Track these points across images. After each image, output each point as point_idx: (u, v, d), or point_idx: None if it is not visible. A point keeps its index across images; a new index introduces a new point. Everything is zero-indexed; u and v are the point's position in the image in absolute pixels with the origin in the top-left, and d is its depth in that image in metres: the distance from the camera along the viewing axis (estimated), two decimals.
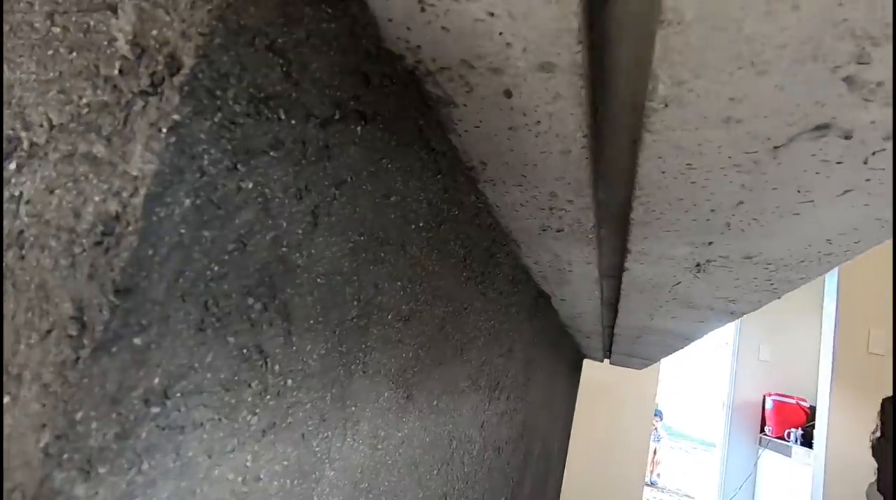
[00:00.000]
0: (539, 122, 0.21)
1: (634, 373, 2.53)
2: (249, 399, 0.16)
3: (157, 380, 0.12)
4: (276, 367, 0.17)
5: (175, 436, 0.13)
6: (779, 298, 0.40)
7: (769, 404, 3.62)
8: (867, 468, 2.20)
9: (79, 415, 0.10)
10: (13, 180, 0.12)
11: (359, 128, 0.19)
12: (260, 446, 0.16)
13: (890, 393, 2.24)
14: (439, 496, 0.38)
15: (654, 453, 5.29)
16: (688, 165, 0.22)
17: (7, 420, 0.10)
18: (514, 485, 0.76)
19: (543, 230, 0.37)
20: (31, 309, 0.11)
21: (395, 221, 0.23)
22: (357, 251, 0.20)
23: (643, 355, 1.22)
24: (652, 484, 5.54)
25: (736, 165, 0.21)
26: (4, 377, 0.11)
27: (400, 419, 0.28)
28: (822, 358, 2.49)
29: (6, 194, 0.12)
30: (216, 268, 0.13)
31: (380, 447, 0.26)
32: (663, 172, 0.23)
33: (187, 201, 0.12)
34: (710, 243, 0.32)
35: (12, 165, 0.13)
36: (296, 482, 0.19)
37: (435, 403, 0.33)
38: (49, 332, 0.11)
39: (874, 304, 2.37)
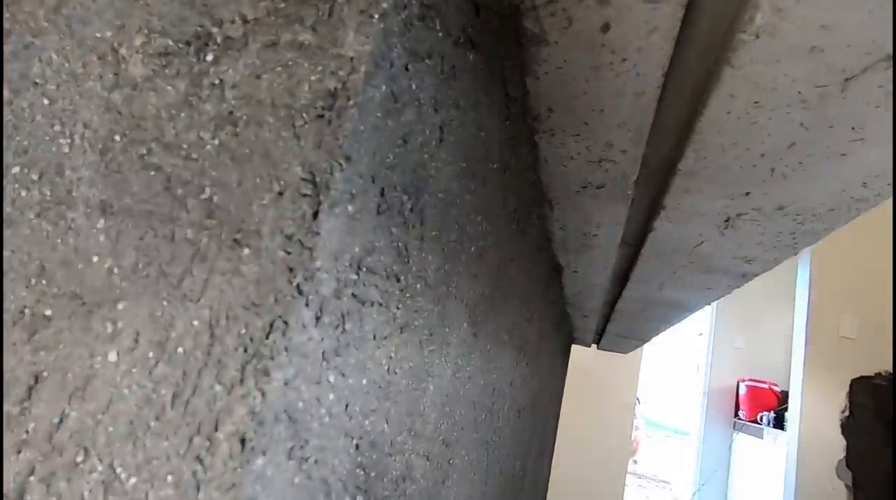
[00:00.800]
0: (625, 59, 0.23)
1: (616, 362, 2.59)
2: (397, 293, 0.17)
3: (357, 249, 0.13)
4: (414, 268, 0.18)
5: (360, 308, 0.14)
6: (795, 253, 0.43)
7: (743, 390, 3.74)
8: (837, 446, 2.32)
9: (318, 263, 0.12)
10: (210, 71, 0.13)
11: (470, 56, 0.20)
12: (399, 340, 0.18)
13: (860, 374, 2.35)
14: (483, 441, 0.39)
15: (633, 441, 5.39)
16: (755, 103, 0.24)
17: (253, 268, 0.11)
18: (525, 451, 0.78)
19: (583, 188, 0.39)
20: (258, 176, 0.12)
21: (481, 156, 0.25)
22: (460, 177, 0.22)
23: (636, 335, 1.26)
24: (630, 474, 5.66)
25: (803, 101, 0.23)
26: (241, 235, 0.12)
27: (470, 354, 0.29)
28: (794, 343, 2.59)
29: (206, 83, 0.13)
30: (391, 158, 0.15)
31: (458, 375, 0.27)
32: (728, 113, 0.25)
33: (384, 87, 0.13)
34: (748, 194, 0.34)
35: (208, 57, 0.14)
36: (413, 385, 0.20)
37: (488, 348, 0.35)
38: (282, 193, 0.12)
39: (844, 290, 2.48)
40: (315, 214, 0.11)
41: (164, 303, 0.12)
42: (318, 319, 0.12)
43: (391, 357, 0.17)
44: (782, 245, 0.42)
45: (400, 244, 0.16)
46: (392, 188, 0.15)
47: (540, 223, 0.49)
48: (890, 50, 0.19)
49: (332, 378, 0.13)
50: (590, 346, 1.80)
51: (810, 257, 2.59)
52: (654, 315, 0.86)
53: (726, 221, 0.39)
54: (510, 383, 0.50)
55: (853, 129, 0.24)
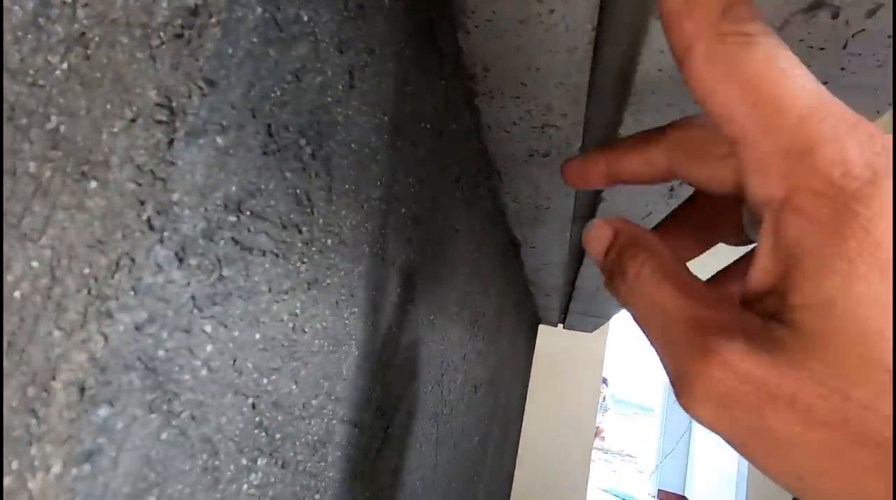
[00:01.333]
0: (553, 11, 0.22)
1: (584, 342, 2.66)
2: (299, 245, 0.16)
3: (233, 188, 0.12)
4: (321, 220, 0.17)
5: (245, 255, 0.13)
6: None
7: None
8: None
9: (175, 196, 0.10)
10: None
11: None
12: (307, 297, 0.17)
13: None
14: (431, 414, 0.39)
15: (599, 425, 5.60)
16: None
17: (100, 203, 0.10)
18: (485, 430, 0.79)
19: (530, 156, 0.38)
20: (108, 101, 0.11)
21: (409, 114, 0.24)
22: (381, 131, 0.21)
23: (599, 313, 1.28)
24: (597, 451, 5.88)
25: None
26: (87, 167, 0.11)
27: (407, 322, 0.29)
28: None
29: (56, 2, 0.12)
30: (278, 93, 0.13)
31: (392, 343, 0.26)
32: (660, 70, 0.25)
33: (259, 9, 0.12)
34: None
35: None
36: (330, 348, 0.19)
37: (432, 318, 0.34)
38: (134, 120, 0.11)
39: None
40: (170, 142, 0.10)
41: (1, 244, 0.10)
42: (180, 260, 0.11)
43: (295, 314, 0.16)
44: None
45: (299, 192, 0.15)
46: (283, 128, 0.14)
47: (491, 195, 0.49)
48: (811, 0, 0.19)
49: (208, 329, 0.12)
50: (556, 325, 1.83)
51: None
52: None
53: (670, 190, 0.40)
54: (463, 357, 0.50)
55: None
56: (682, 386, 0.13)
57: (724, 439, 0.13)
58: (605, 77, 0.28)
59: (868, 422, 0.10)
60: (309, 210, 0.16)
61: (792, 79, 0.12)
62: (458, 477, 0.58)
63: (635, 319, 0.15)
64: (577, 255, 0.74)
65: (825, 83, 0.23)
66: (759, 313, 0.12)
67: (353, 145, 0.18)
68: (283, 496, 0.17)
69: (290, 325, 0.16)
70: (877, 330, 0.10)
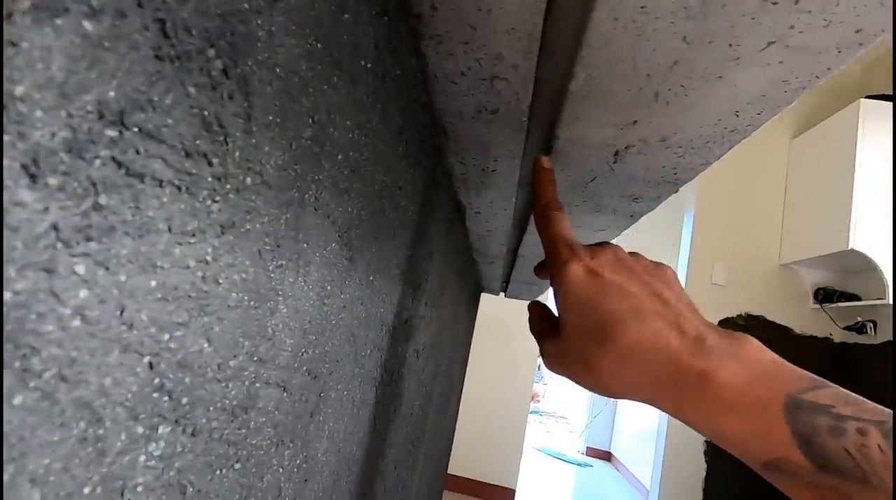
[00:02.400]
0: None
1: (524, 311, 2.74)
2: (209, 179, 0.13)
3: (112, 93, 0.10)
4: (237, 153, 0.14)
5: (135, 183, 0.11)
6: (676, 191, 0.45)
7: None
8: None
9: (18, 89, 0.08)
10: None
11: None
12: (220, 243, 0.14)
13: (727, 316, 2.70)
14: (370, 378, 0.38)
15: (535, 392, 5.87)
16: (641, 7, 0.22)
17: None
18: (426, 394, 0.79)
19: (478, 112, 0.37)
20: None
21: (347, 45, 0.21)
22: (313, 59, 0.18)
23: (540, 282, 1.31)
24: (534, 413, 6.18)
25: (685, 7, 0.22)
26: None
27: (343, 280, 0.27)
28: None
29: None
30: None
31: (326, 301, 0.25)
32: (616, 19, 0.23)
33: None
34: (635, 123, 0.34)
35: None
36: (252, 303, 0.17)
37: (371, 278, 0.33)
38: None
39: (717, 241, 2.79)
40: (9, 15, 0.08)
41: None
42: (32, 177, 0.08)
43: (206, 261, 0.14)
44: (665, 181, 0.43)
45: (207, 114, 0.13)
46: (183, 29, 0.11)
47: (437, 155, 0.47)
48: None
49: (80, 269, 0.10)
50: (498, 294, 1.86)
51: (693, 214, 2.85)
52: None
53: (615, 153, 0.40)
54: (405, 322, 0.48)
55: (730, 46, 0.24)
56: (542, 359, 0.30)
57: (564, 376, 0.29)
58: (558, 26, 0.27)
59: (577, 350, 0.27)
60: (221, 139, 0.14)
61: (557, 229, 0.31)
62: (398, 441, 0.58)
63: (533, 335, 0.33)
64: (521, 222, 0.74)
65: (773, 43, 0.23)
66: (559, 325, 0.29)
67: (277, 70, 0.16)
68: (193, 467, 0.15)
69: (199, 273, 0.14)
70: (570, 321, 0.28)
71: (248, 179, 0.15)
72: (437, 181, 0.51)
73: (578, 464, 4.31)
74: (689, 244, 2.84)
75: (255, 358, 0.18)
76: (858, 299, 2.48)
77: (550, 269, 0.30)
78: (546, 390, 7.15)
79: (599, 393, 0.27)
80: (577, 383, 0.28)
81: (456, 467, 2.72)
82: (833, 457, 0.20)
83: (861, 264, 2.37)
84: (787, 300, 2.71)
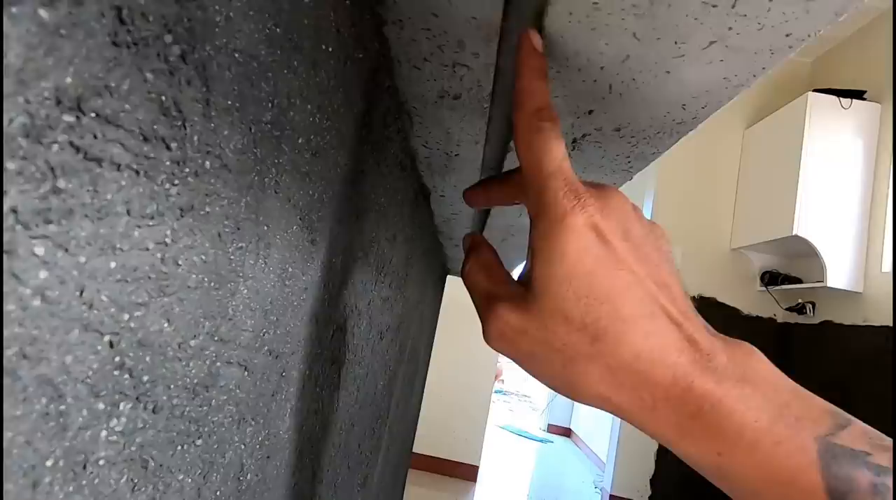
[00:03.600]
0: None
1: None
2: (168, 163, 0.14)
3: (69, 80, 0.10)
4: (196, 138, 0.15)
5: (92, 167, 0.11)
6: (630, 178, 0.47)
7: None
8: None
9: None
10: None
11: None
12: (179, 225, 0.15)
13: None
14: (331, 359, 0.38)
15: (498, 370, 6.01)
16: (594, 4, 0.23)
17: None
18: (391, 374, 0.80)
19: (441, 97, 0.37)
20: None
21: (308, 29, 0.21)
22: (273, 44, 0.18)
23: (504, 263, 1.34)
24: (497, 393, 6.33)
25: (634, 5, 0.23)
26: None
27: (305, 262, 0.27)
28: None
29: None
30: None
31: (288, 283, 0.25)
32: (571, 13, 0.24)
33: None
34: (591, 113, 0.35)
35: None
36: (213, 284, 0.17)
37: (333, 260, 0.33)
38: None
39: (674, 226, 2.90)
40: None
41: None
42: None
43: (165, 243, 0.14)
44: (620, 169, 0.45)
45: (165, 99, 0.13)
46: (141, 17, 0.11)
47: (401, 138, 0.47)
48: None
49: (39, 251, 0.10)
50: None
51: (652, 200, 2.95)
52: (514, 243, 0.92)
53: (574, 142, 0.41)
54: (368, 303, 0.49)
55: (676, 43, 0.25)
56: (483, 331, 0.22)
57: (509, 359, 0.22)
58: (517, 17, 0.27)
59: (553, 337, 0.20)
60: (180, 124, 0.14)
61: (551, 152, 0.22)
62: (362, 420, 0.59)
63: (467, 288, 0.25)
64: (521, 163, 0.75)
65: (714, 42, 0.25)
66: (524, 286, 0.22)
67: (236, 55, 0.16)
68: (155, 443, 0.16)
69: (159, 255, 0.14)
70: (556, 297, 0.20)
71: (208, 163, 0.16)
72: (402, 164, 0.51)
73: (540, 440, 4.46)
74: None
75: (216, 338, 0.18)
76: (800, 281, 2.64)
77: (538, 215, 0.20)
78: (506, 369, 7.31)
79: (565, 395, 0.21)
80: (534, 373, 0.22)
81: (422, 445, 2.77)
82: None
83: (803, 249, 2.52)
84: (737, 283, 2.86)
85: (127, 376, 0.14)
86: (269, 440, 0.27)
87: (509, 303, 0.21)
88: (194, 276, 0.16)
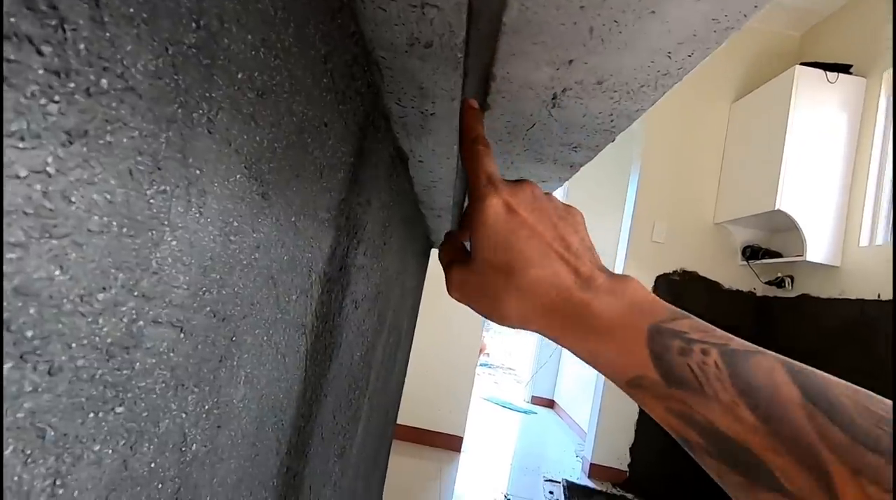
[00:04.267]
0: None
1: None
2: (41, 72, 0.11)
3: None
4: (82, 46, 0.12)
5: None
6: (612, 140, 0.45)
7: None
8: None
9: None
10: None
11: None
12: (67, 153, 0.12)
13: (663, 272, 2.85)
14: (297, 325, 0.36)
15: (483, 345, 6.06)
16: None
17: None
18: (369, 345, 0.79)
19: (411, 45, 0.34)
20: None
21: None
22: None
23: None
24: (483, 366, 6.42)
25: None
26: None
27: (255, 217, 0.25)
28: (619, 246, 3.02)
29: None
30: None
31: (233, 238, 0.23)
32: None
33: None
34: (571, 62, 0.33)
35: None
36: (125, 230, 0.15)
37: (293, 219, 0.31)
38: None
39: (659, 201, 2.91)
40: None
41: None
42: None
43: (46, 173, 0.12)
44: (602, 129, 0.43)
45: None
46: None
47: (372, 94, 0.44)
48: None
49: None
50: None
51: (638, 175, 2.94)
52: None
53: (553, 97, 0.39)
54: (340, 270, 0.47)
55: None
56: (446, 285, 0.32)
57: (464, 303, 0.31)
58: None
59: (484, 280, 0.29)
60: (54, 23, 0.11)
61: (483, 164, 0.31)
62: (336, 390, 0.58)
63: (439, 261, 0.34)
64: (465, 173, 0.73)
65: None
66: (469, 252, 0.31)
67: None
68: (54, 409, 0.14)
69: (38, 187, 0.12)
70: (483, 252, 0.29)
71: (105, 82, 0.13)
72: (375, 124, 0.48)
73: (524, 411, 4.55)
74: (632, 204, 2.94)
75: (136, 293, 0.16)
76: (780, 256, 2.68)
77: (471, 201, 0.30)
78: (491, 343, 7.40)
79: (496, 322, 0.30)
80: (478, 310, 0.31)
81: (407, 417, 2.80)
82: (679, 372, 0.23)
83: (785, 224, 2.54)
84: (719, 257, 2.89)
85: (6, 331, 0.11)
86: (218, 409, 0.25)
87: (459, 263, 0.32)
88: (97, 218, 0.14)
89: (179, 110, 0.17)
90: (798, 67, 2.49)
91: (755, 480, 0.21)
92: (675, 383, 0.23)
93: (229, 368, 0.25)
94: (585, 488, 2.42)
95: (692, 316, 0.25)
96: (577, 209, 0.32)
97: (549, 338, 0.28)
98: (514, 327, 0.29)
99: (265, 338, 0.30)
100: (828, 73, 2.46)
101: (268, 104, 0.24)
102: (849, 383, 0.21)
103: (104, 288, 0.15)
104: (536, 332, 0.29)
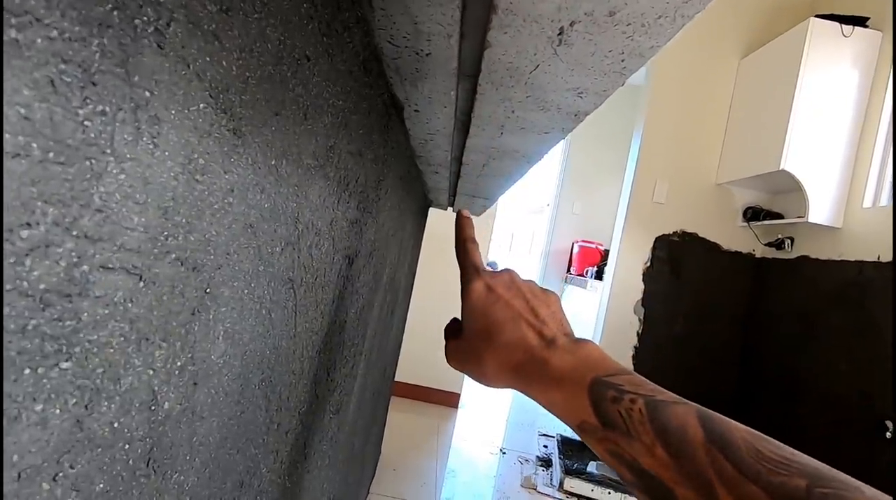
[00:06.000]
0: None
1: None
2: None
3: None
4: None
5: None
6: (622, 83, 0.42)
7: (576, 249, 4.32)
8: (638, 290, 2.85)
9: None
10: None
11: None
12: None
13: (663, 233, 2.83)
14: (284, 279, 0.34)
15: None
16: None
17: None
18: (365, 303, 0.78)
19: None
20: None
21: None
22: None
23: (485, 194, 1.29)
24: None
25: None
26: None
27: (227, 156, 0.22)
28: (619, 208, 2.98)
29: None
30: None
31: (199, 179, 0.20)
32: None
33: None
34: None
35: None
36: (51, 156, 0.13)
37: (273, 163, 0.28)
38: None
39: (661, 161, 2.85)
40: None
41: None
42: None
43: None
44: (612, 70, 0.40)
45: None
46: None
47: (362, 32, 0.40)
48: None
49: None
50: (446, 208, 1.84)
51: (641, 134, 2.87)
52: (497, 169, 0.86)
53: (559, 33, 0.35)
54: (330, 223, 0.45)
55: None
56: (445, 356, 0.38)
57: (457, 369, 0.37)
58: None
59: (471, 346, 0.35)
60: None
61: (472, 258, 0.40)
62: (329, 347, 0.56)
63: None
64: (464, 125, 0.69)
65: None
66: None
67: None
68: None
69: None
70: (469, 323, 0.36)
71: None
72: (366, 66, 0.45)
73: None
74: (634, 164, 2.88)
75: (75, 233, 0.14)
76: (781, 217, 2.66)
77: (462, 286, 0.37)
78: None
79: (482, 382, 0.35)
80: (468, 373, 0.36)
81: (405, 374, 2.85)
82: (612, 417, 0.28)
83: (788, 184, 2.50)
84: (720, 218, 2.87)
85: None
86: (193, 365, 0.23)
87: (453, 337, 0.38)
88: (8, 136, 0.11)
89: (116, 14, 0.14)
90: (812, 20, 2.38)
91: None
92: (609, 425, 0.28)
93: (204, 322, 0.23)
94: (579, 442, 2.50)
95: (634, 373, 0.30)
96: (553, 293, 0.38)
97: (520, 391, 0.33)
98: (494, 386, 0.34)
99: (246, 291, 0.28)
100: (843, 26, 2.36)
101: (235, 23, 0.20)
102: (750, 429, 0.25)
103: (26, 224, 0.12)
104: (510, 387, 0.33)
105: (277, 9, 0.24)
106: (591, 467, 2.13)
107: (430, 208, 1.95)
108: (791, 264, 2.59)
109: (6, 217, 0.12)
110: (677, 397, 0.28)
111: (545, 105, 0.50)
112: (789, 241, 2.62)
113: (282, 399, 0.40)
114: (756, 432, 0.25)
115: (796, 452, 0.24)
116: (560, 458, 2.18)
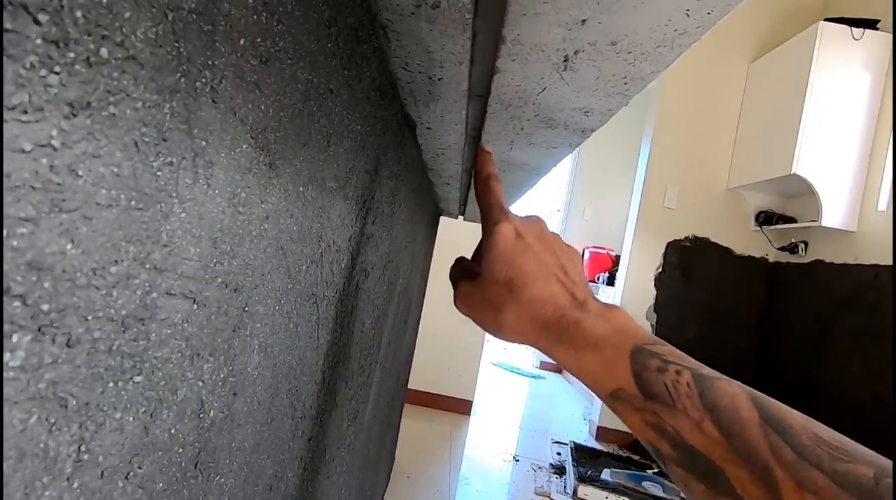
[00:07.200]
0: None
1: (478, 236, 2.76)
2: (39, 42, 0.11)
3: None
4: (79, 13, 0.12)
5: None
6: (626, 103, 0.44)
7: (587, 255, 4.31)
8: (650, 295, 2.84)
9: None
10: None
11: None
12: (71, 126, 0.12)
13: (674, 239, 2.82)
14: (308, 294, 0.37)
15: None
16: None
17: None
18: (380, 313, 0.80)
19: (417, 7, 0.33)
20: None
21: None
22: None
23: None
24: None
25: None
26: None
27: (263, 187, 0.25)
28: (630, 213, 2.98)
29: None
30: None
31: (241, 210, 0.23)
32: None
33: None
34: (584, 23, 0.31)
35: None
36: (135, 203, 0.15)
37: (301, 190, 0.31)
38: None
39: (671, 166, 2.85)
40: None
41: None
42: None
43: (51, 146, 0.12)
44: (615, 93, 0.42)
45: None
46: None
47: (378, 60, 0.43)
48: None
49: None
50: (457, 217, 1.86)
51: (650, 139, 2.87)
52: (507, 180, 0.89)
53: (565, 60, 0.37)
54: (349, 239, 0.47)
55: None
56: (454, 298, 0.36)
57: (466, 315, 0.35)
58: None
59: (488, 294, 0.32)
60: None
61: (494, 196, 0.35)
62: (348, 357, 0.59)
63: (450, 280, 0.38)
64: (473, 139, 0.72)
65: None
66: (477, 270, 0.34)
67: None
68: (75, 379, 0.14)
69: (44, 161, 0.12)
70: (490, 269, 0.33)
71: (105, 51, 0.13)
72: (381, 90, 0.47)
73: (532, 376, 4.63)
74: (644, 169, 2.89)
75: (148, 266, 0.16)
76: (794, 221, 2.64)
77: (484, 227, 0.34)
78: None
79: (494, 334, 0.33)
80: (479, 321, 0.34)
81: (418, 382, 2.87)
82: (655, 387, 0.27)
83: (801, 188, 2.49)
84: (732, 223, 2.85)
85: (17, 303, 0.12)
86: (234, 377, 0.25)
87: (466, 279, 0.35)
88: (104, 191, 0.14)
89: (182, 80, 0.16)
90: (822, 23, 2.38)
91: (715, 488, 0.24)
92: (651, 396, 0.27)
93: (242, 337, 0.26)
94: (592, 449, 2.49)
95: (670, 345, 0.29)
96: (577, 250, 0.36)
97: (541, 350, 0.31)
98: (509, 340, 0.32)
99: (277, 308, 0.30)
100: (853, 29, 2.35)
101: (272, 71, 0.23)
102: (803, 414, 0.24)
103: (116, 261, 0.15)
104: (530, 344, 0.32)
105: (306, 52, 0.27)
106: (606, 474, 2.12)
107: (441, 217, 1.98)
108: (805, 268, 2.56)
109: (97, 254, 0.14)
110: (719, 374, 0.27)
111: (552, 123, 0.52)
112: (803, 245, 2.60)
113: (306, 408, 0.42)
114: (808, 417, 0.24)
115: (851, 440, 0.23)
116: (574, 465, 2.18)
